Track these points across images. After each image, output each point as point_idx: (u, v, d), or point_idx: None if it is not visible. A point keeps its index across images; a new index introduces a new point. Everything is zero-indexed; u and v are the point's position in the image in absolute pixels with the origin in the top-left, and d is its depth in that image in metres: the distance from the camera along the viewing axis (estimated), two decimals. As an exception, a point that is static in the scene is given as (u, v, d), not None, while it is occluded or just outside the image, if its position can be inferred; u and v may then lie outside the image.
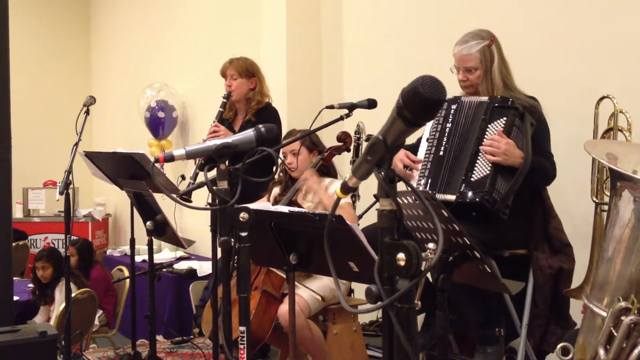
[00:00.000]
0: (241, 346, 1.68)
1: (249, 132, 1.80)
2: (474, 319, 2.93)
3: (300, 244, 2.66)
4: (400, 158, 3.20)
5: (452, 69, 3.17)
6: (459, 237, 2.06)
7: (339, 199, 1.24)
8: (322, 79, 5.31)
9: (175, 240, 3.38)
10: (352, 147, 3.87)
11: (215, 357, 2.56)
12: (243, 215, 1.66)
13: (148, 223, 3.37)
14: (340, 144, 3.72)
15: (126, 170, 3.69)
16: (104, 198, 8.24)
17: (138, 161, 3.59)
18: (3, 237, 3.65)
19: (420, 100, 1.10)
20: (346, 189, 1.21)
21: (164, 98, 7.06)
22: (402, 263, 1.05)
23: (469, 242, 2.01)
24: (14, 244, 6.45)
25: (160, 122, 7.07)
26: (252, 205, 3.21)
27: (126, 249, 6.93)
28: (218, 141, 1.75)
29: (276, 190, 3.78)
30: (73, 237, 6.73)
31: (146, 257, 6.49)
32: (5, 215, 3.63)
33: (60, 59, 9.05)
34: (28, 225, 7.72)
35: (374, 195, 2.79)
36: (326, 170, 3.68)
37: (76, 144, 3.54)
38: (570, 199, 3.32)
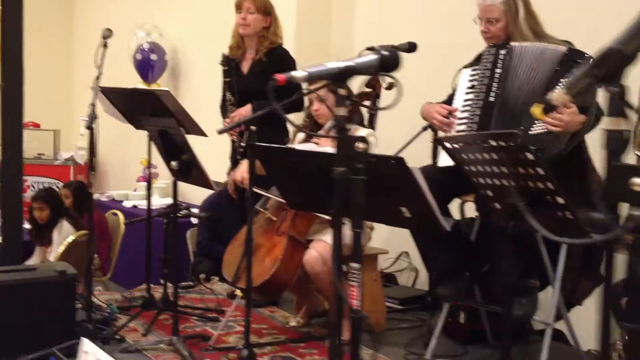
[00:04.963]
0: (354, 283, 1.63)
1: (372, 56, 1.70)
2: (513, 270, 2.90)
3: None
4: (437, 110, 3.16)
5: (476, 19, 3.13)
6: (540, 181, 2.01)
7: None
8: (332, 23, 5.21)
9: (203, 182, 3.26)
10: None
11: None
12: (359, 145, 1.58)
13: (173, 163, 3.24)
14: (369, 89, 3.63)
15: (146, 108, 3.56)
16: (85, 142, 8.02)
17: (160, 98, 3.47)
18: (14, 178, 3.51)
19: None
20: (550, 107, 1.13)
21: (155, 40, 6.85)
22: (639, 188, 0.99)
23: (553, 187, 1.97)
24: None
25: (150, 65, 6.87)
26: (298, 147, 3.13)
27: (114, 193, 6.78)
28: (341, 64, 1.65)
29: (300, 136, 3.69)
30: (68, 181, 6.59)
31: (135, 202, 6.41)
32: (16, 156, 3.49)
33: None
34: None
35: (436, 140, 2.74)
36: (357, 117, 3.59)
37: (97, 78, 3.39)
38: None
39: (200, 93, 6.04)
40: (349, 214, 2.90)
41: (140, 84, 6.92)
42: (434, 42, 4.01)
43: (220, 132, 3.19)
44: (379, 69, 1.69)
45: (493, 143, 2.11)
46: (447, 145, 2.41)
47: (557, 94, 1.14)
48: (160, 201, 6.41)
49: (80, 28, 8.69)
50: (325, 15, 5.24)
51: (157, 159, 3.76)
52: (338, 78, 1.65)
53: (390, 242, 4.41)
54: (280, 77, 1.60)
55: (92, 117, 3.22)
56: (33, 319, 3.02)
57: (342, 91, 1.64)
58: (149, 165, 3.93)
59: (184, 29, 6.77)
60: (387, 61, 1.68)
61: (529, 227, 2.22)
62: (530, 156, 1.98)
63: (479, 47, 3.23)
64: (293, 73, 1.62)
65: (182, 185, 3.29)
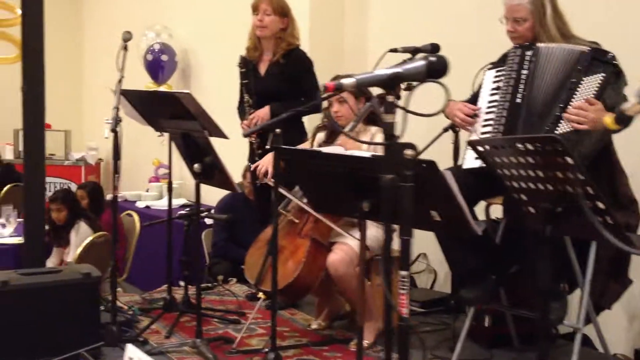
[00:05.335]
0: (402, 291, 1.61)
1: (420, 62, 1.68)
2: (548, 273, 2.88)
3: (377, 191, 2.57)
4: (459, 108, 3.13)
5: (502, 19, 3.10)
6: (580, 186, 1.99)
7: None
8: (345, 24, 5.20)
9: (225, 184, 3.25)
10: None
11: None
12: (408, 152, 1.57)
13: (196, 166, 3.23)
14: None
15: (166, 110, 3.54)
16: (96, 142, 8.03)
17: (181, 101, 3.45)
18: (36, 179, 3.50)
19: None
20: (624, 117, 1.12)
21: (165, 41, 6.85)
22: None
23: (593, 192, 1.95)
24: (12, 185, 6.29)
25: (161, 65, 6.86)
26: (326, 149, 3.12)
27: (126, 194, 6.76)
28: (389, 71, 1.64)
29: (320, 136, 3.67)
30: (84, 182, 6.57)
31: (148, 203, 6.40)
32: (38, 157, 3.48)
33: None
34: (19, 167, 7.48)
35: (468, 142, 2.71)
36: (373, 118, 3.57)
37: (120, 81, 3.37)
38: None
39: (211, 94, 6.02)
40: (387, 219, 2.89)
41: (152, 85, 6.92)
42: (446, 42, 3.98)
43: (246, 135, 3.17)
44: (426, 75, 1.67)
45: (530, 147, 2.09)
46: (480, 148, 2.39)
47: (631, 104, 1.12)
48: (173, 201, 6.40)
49: (89, 29, 8.70)
50: (338, 16, 5.23)
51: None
52: (386, 85, 1.64)
53: (409, 243, 4.39)
54: (330, 84, 1.60)
55: (117, 120, 3.21)
56: (58, 322, 3.01)
57: (390, 98, 1.62)
58: (169, 167, 3.91)
59: (194, 30, 6.76)
60: (435, 67, 1.66)
61: (565, 232, 2.20)
62: (570, 160, 1.96)
63: (493, 47, 3.20)
64: (342, 80, 1.61)
65: (190, 185, 3.27)
